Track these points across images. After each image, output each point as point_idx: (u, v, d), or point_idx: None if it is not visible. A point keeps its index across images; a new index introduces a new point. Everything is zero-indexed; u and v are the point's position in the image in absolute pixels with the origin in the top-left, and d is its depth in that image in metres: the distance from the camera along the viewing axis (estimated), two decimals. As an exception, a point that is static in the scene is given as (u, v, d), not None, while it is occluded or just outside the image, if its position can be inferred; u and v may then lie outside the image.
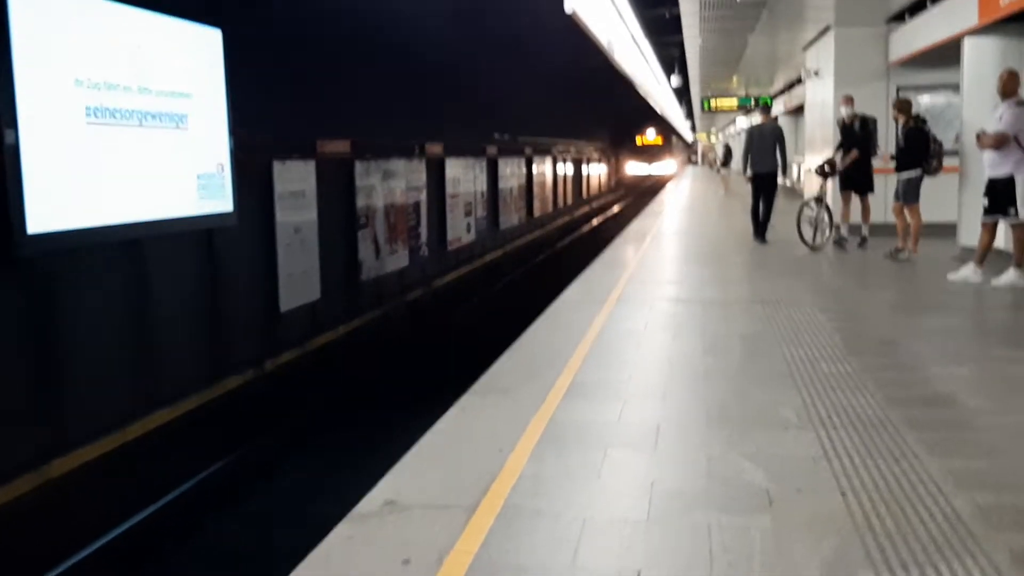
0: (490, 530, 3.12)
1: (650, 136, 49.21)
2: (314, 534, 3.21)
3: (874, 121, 11.85)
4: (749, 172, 12.62)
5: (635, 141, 48.98)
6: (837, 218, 11.67)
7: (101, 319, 6.86)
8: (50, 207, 5.96)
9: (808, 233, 11.34)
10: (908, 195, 9.94)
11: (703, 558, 2.88)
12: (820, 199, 11.52)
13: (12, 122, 5.65)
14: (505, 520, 3.21)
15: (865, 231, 11.46)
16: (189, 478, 6.80)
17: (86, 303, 6.71)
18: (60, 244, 6.15)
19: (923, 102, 13.26)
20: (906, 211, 10.02)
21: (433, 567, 2.85)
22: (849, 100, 11.63)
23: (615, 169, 45.87)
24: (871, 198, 11.41)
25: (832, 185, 11.99)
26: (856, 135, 11.30)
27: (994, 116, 8.12)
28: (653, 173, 48.77)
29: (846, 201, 11.60)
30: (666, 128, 50.71)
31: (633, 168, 49.22)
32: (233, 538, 6.15)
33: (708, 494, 3.42)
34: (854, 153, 11.12)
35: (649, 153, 49.63)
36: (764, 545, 2.95)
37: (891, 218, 10.64)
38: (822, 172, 11.49)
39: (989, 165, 8.09)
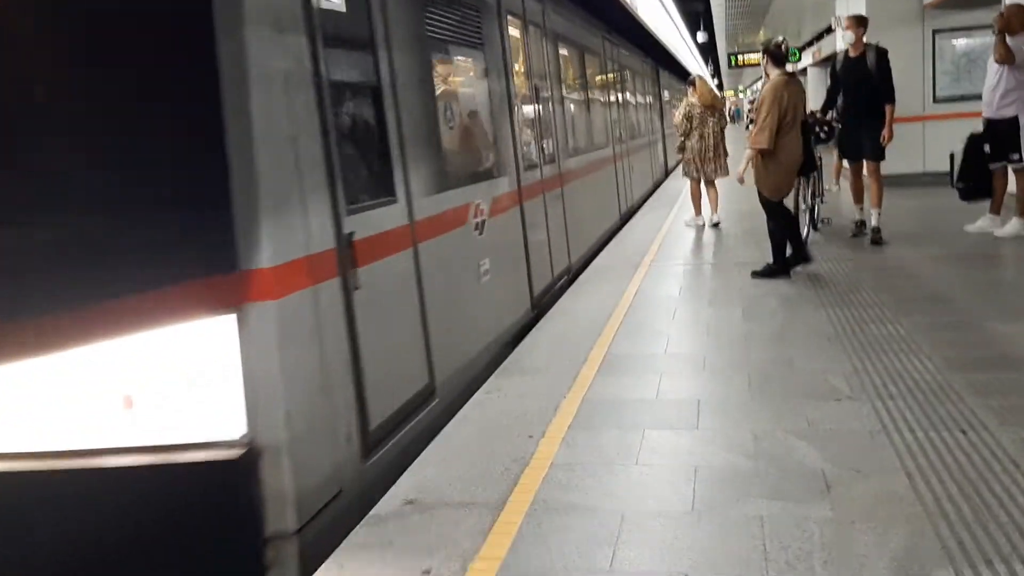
0: (519, 531, 2.84)
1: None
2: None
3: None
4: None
5: None
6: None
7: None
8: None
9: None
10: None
11: (757, 556, 2.57)
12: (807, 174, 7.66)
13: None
14: (535, 518, 2.93)
15: (874, 218, 7.96)
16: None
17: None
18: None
19: (958, 44, 12.66)
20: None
21: (456, 577, 2.58)
22: (858, 23, 8.16)
23: None
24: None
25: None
26: (870, 72, 7.80)
27: None
28: None
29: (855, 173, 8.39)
30: None
31: None
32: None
33: (758, 479, 3.10)
34: (889, 109, 7.70)
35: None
36: (824, 539, 2.64)
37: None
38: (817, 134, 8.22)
39: (992, 106, 7.50)
